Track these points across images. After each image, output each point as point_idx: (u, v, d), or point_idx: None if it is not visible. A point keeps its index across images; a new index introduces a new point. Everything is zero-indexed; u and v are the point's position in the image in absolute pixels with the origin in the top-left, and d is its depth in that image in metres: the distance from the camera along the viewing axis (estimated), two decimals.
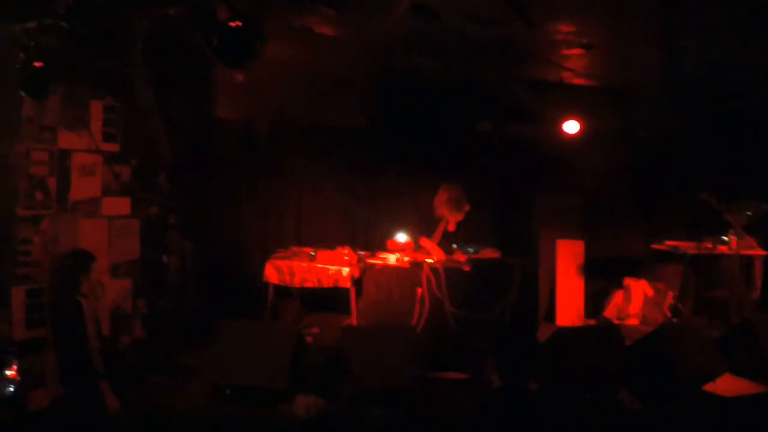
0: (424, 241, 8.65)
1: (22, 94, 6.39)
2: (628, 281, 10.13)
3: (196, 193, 9.40)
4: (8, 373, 5.98)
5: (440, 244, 8.61)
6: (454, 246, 8.74)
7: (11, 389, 5.93)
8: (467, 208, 8.69)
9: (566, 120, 9.83)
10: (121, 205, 7.95)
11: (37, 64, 6.08)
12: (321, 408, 4.71)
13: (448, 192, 8.67)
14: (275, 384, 6.76)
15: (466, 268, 8.39)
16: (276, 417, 5.04)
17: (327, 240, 9.42)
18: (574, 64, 8.80)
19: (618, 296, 10.13)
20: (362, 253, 8.91)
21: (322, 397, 4.88)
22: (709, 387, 7.29)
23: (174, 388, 7.21)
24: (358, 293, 8.52)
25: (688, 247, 9.64)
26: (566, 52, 8.37)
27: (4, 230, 6.80)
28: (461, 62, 8.93)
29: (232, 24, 5.31)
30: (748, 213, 9.57)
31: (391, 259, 8.53)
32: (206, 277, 9.38)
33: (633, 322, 9.82)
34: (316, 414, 4.70)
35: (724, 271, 9.52)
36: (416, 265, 8.34)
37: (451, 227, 8.77)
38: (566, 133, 9.83)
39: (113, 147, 7.84)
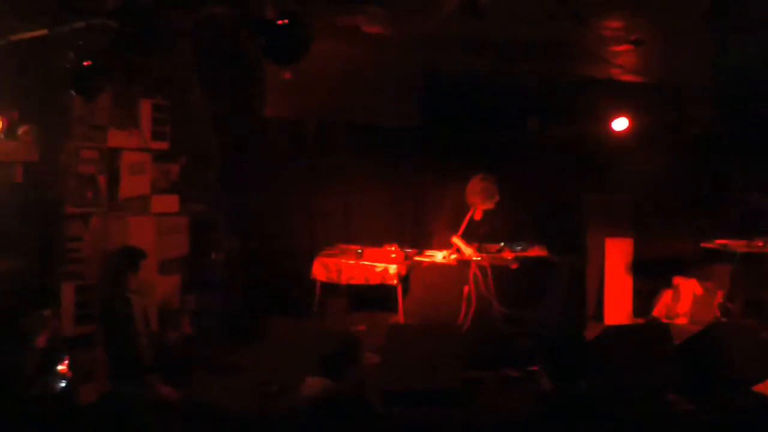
0: (456, 240, 8.61)
1: (72, 93, 6.46)
2: (678, 280, 9.99)
3: (244, 191, 9.44)
4: (60, 368, 6.06)
5: (467, 235, 8.57)
6: (502, 244, 8.71)
7: (63, 384, 6.01)
8: (497, 198, 8.59)
9: (615, 117, 9.72)
10: (169, 203, 8.03)
11: (86, 63, 6.14)
12: (327, 388, 4.75)
13: (481, 181, 8.59)
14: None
15: (514, 266, 8.36)
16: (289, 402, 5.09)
17: (374, 238, 9.42)
18: (624, 60, 8.72)
19: (667, 295, 10.00)
20: (409, 250, 8.90)
21: (364, 395, 4.86)
22: (759, 388, 7.17)
23: (221, 385, 7.26)
24: (405, 291, 8.52)
25: (737, 245, 9.49)
26: (615, 48, 8.29)
27: (55, 228, 6.90)
28: (509, 60, 8.88)
29: (280, 22, 5.33)
30: None
31: (438, 256, 8.52)
32: (254, 275, 9.43)
33: (682, 321, 9.69)
34: (322, 394, 4.74)
35: None
36: (463, 263, 8.32)
37: (478, 215, 8.68)
38: (615, 130, 9.73)
39: (162, 145, 7.92)
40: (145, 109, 7.75)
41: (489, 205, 8.60)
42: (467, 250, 8.47)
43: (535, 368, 7.68)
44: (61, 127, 7.01)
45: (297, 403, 4.85)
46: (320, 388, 4.76)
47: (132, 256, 6.73)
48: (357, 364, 4.98)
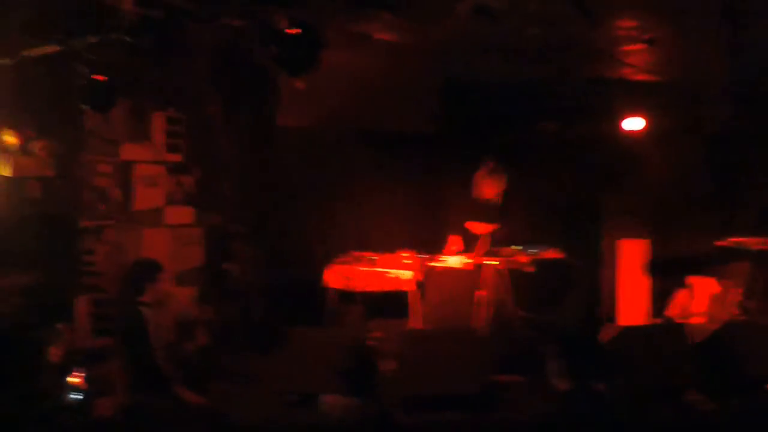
0: (470, 225, 8.62)
1: (86, 107, 6.50)
2: (693, 279, 9.93)
3: (260, 201, 9.46)
4: (74, 380, 6.08)
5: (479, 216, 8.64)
6: (517, 247, 8.68)
7: (78, 396, 6.02)
8: (505, 183, 8.61)
9: (630, 117, 9.68)
10: (184, 215, 8.06)
11: (99, 78, 6.18)
12: (349, 408, 4.64)
13: (485, 165, 8.60)
14: (339, 391, 6.78)
15: (529, 269, 8.33)
16: (341, 424, 5.01)
17: (389, 244, 9.40)
18: (637, 59, 8.69)
19: (683, 295, 9.93)
20: (424, 256, 8.88)
21: (381, 401, 4.79)
22: None
23: (239, 395, 7.26)
24: (420, 297, 8.49)
25: (753, 243, 9.42)
26: (628, 48, 8.26)
27: (69, 241, 6.94)
28: (522, 63, 8.87)
29: (291, 32, 5.34)
30: None
31: (453, 261, 8.50)
32: (270, 284, 9.44)
33: (698, 320, 9.60)
34: (344, 414, 4.63)
35: None
36: (478, 267, 8.30)
37: (490, 195, 8.68)
38: (629, 130, 9.69)
39: (176, 157, 7.96)
40: (159, 121, 7.80)
41: (497, 189, 8.60)
42: (480, 228, 8.48)
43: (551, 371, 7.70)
44: (75, 141, 7.06)
45: (317, 420, 4.77)
46: (339, 407, 4.67)
47: (149, 269, 6.74)
48: (374, 376, 4.88)
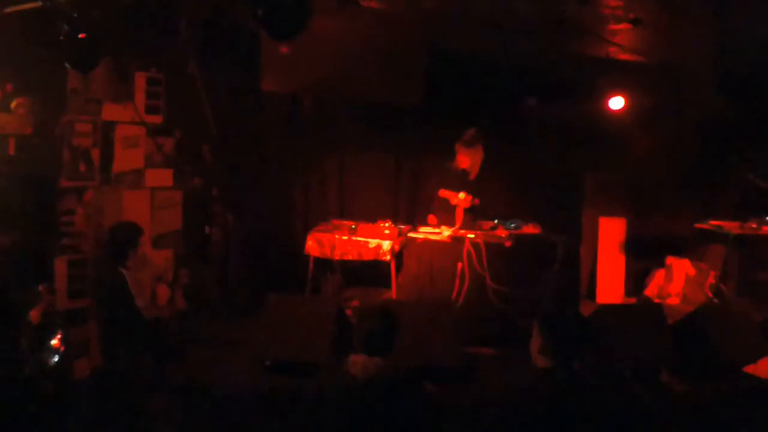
0: (445, 192, 8.65)
1: (67, 66, 6.40)
2: (670, 260, 10.00)
3: (240, 166, 9.41)
4: (53, 342, 6.05)
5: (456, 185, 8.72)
6: (496, 221, 8.70)
7: (56, 359, 6.00)
8: (481, 153, 8.74)
9: (612, 96, 9.68)
10: (164, 177, 8.00)
11: (81, 36, 6.08)
12: (379, 366, 4.62)
13: (465, 135, 8.69)
14: (316, 358, 6.79)
15: (507, 244, 8.36)
16: (320, 388, 4.99)
17: (369, 214, 9.40)
18: (622, 39, 8.67)
19: (659, 275, 10.01)
20: (403, 227, 8.89)
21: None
22: (749, 369, 7.20)
23: (215, 360, 7.26)
24: (399, 267, 8.50)
25: (731, 226, 9.48)
26: (614, 26, 8.24)
27: (48, 201, 6.87)
28: (508, 38, 8.83)
29: None
30: None
31: (433, 232, 8.52)
32: (249, 250, 9.42)
33: (674, 301, 9.70)
34: (375, 373, 4.60)
35: None
36: (457, 240, 8.32)
37: (465, 164, 8.74)
38: (611, 109, 9.70)
39: (156, 119, 7.89)
40: (140, 82, 7.71)
41: (471, 157, 8.65)
42: (461, 195, 8.59)
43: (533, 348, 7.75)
44: (55, 99, 6.97)
45: (341, 381, 4.72)
46: (371, 366, 4.64)
47: (132, 232, 6.67)
48: (398, 338, 4.91)
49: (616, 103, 9.66)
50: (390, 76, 9.11)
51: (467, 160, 8.67)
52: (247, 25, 7.92)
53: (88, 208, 7.14)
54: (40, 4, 6.14)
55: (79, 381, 6.69)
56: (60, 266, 6.80)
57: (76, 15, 6.09)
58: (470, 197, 8.61)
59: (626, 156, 9.99)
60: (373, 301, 8.46)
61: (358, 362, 4.70)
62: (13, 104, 6.71)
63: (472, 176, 8.74)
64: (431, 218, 8.81)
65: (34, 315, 5.84)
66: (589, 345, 6.78)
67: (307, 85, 9.25)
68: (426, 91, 9.22)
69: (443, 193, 8.70)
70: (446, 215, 8.71)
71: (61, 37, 6.09)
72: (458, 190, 8.63)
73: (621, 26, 8.15)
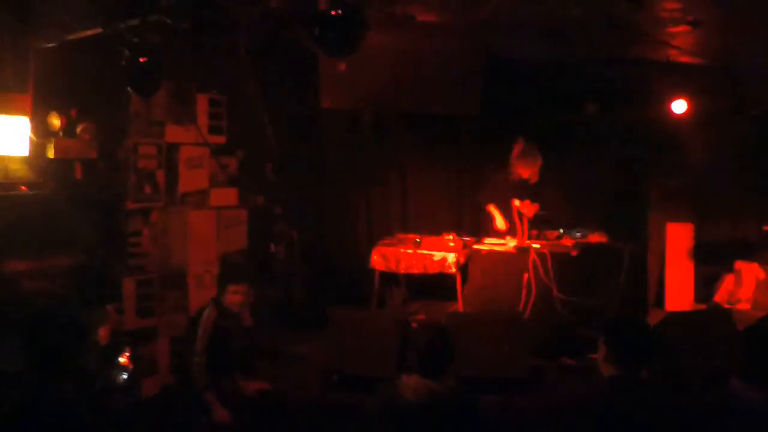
0: (492, 209, 8.72)
1: (129, 90, 6.52)
2: (740, 265, 9.80)
3: (303, 183, 9.49)
4: (121, 360, 6.13)
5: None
6: (561, 230, 8.65)
7: (124, 376, 6.08)
8: (540, 161, 8.67)
9: (674, 100, 9.55)
10: (228, 196, 8.09)
11: (141, 60, 6.19)
12: (431, 390, 4.51)
13: (521, 145, 8.67)
14: (383, 372, 6.78)
15: (574, 253, 8.29)
16: (384, 403, 4.96)
17: (433, 226, 9.40)
18: (681, 41, 8.56)
19: (729, 280, 9.81)
20: (467, 239, 8.86)
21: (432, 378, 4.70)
22: None
23: (282, 375, 7.30)
24: (464, 279, 8.48)
25: None
26: (672, 29, 8.14)
27: (116, 223, 6.99)
28: (565, 45, 8.78)
29: (333, 13, 5.30)
30: None
31: (498, 244, 8.49)
32: (314, 266, 9.48)
33: (744, 306, 9.49)
34: (427, 397, 4.49)
35: None
36: (522, 251, 8.27)
37: (526, 175, 8.73)
38: (674, 113, 9.57)
39: (220, 139, 7.98)
40: (202, 103, 7.81)
41: (534, 168, 8.57)
42: (499, 221, 8.58)
43: (594, 356, 7.66)
44: (119, 123, 7.10)
45: (393, 403, 4.65)
46: (423, 389, 4.54)
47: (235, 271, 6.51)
48: (453, 360, 4.81)
49: (679, 106, 9.52)
50: (447, 87, 9.13)
51: (527, 171, 8.64)
52: (304, 44, 7.98)
53: (154, 229, 7.24)
54: (101, 30, 6.25)
55: (148, 399, 6.79)
56: (128, 286, 6.91)
57: (136, 40, 6.19)
58: (537, 206, 8.59)
59: (690, 160, 9.83)
60: (436, 315, 8.43)
61: (410, 384, 4.60)
62: (78, 129, 6.85)
63: (532, 181, 8.70)
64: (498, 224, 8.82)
65: (102, 334, 5.92)
66: (656, 353, 6.70)
67: (366, 100, 9.31)
68: (484, 101, 9.21)
69: (491, 210, 8.70)
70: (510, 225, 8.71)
71: (123, 62, 6.20)
72: (521, 199, 8.62)
73: (680, 29, 8.04)
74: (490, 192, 8.89)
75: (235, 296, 5.96)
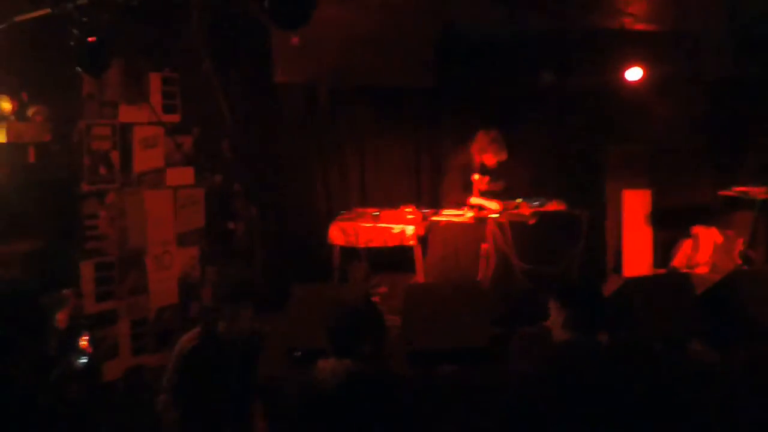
0: (475, 200, 8.64)
1: (79, 70, 6.43)
2: (697, 229, 9.92)
3: (260, 159, 9.44)
4: (80, 344, 6.09)
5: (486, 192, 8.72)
6: (519, 199, 8.69)
7: (84, 360, 6.04)
8: (505, 148, 8.72)
9: (629, 67, 9.60)
10: (184, 175, 8.03)
11: (91, 39, 6.10)
12: (349, 371, 4.27)
13: (488, 134, 8.65)
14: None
15: (531, 222, 8.34)
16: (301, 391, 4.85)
17: (392, 200, 9.41)
18: (635, 9, 8.60)
19: (687, 245, 9.93)
20: (426, 211, 8.88)
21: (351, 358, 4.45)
22: None
23: None
24: (424, 251, 8.50)
25: (757, 192, 9.37)
26: None
27: (71, 206, 6.93)
28: (520, 13, 8.78)
29: None
30: None
31: (456, 214, 8.52)
32: (274, 242, 9.45)
33: (702, 270, 9.63)
34: (346, 377, 4.29)
35: None
36: (481, 221, 8.31)
37: (490, 163, 8.75)
38: (629, 81, 9.63)
39: (174, 118, 7.91)
40: (155, 82, 7.74)
41: (502, 156, 8.60)
42: (492, 205, 8.51)
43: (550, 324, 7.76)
44: (71, 105, 7.01)
45: (312, 389, 4.47)
46: (341, 371, 4.32)
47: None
48: (374, 334, 4.65)
49: (634, 74, 9.58)
50: (402, 60, 9.10)
51: (494, 159, 8.65)
52: (257, 18, 7.92)
53: (110, 211, 7.19)
54: (48, 10, 6.16)
55: (110, 383, 6.77)
56: (86, 269, 6.86)
57: (84, 19, 6.10)
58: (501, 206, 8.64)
59: (647, 127, 9.91)
60: (397, 287, 8.46)
61: (326, 368, 4.40)
62: (30, 112, 6.75)
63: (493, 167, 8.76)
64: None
65: (60, 318, 5.87)
66: (616, 318, 6.78)
67: (320, 74, 9.24)
68: (440, 73, 9.20)
69: (475, 201, 8.69)
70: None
71: (72, 42, 6.12)
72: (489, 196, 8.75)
73: None
74: (462, 183, 8.84)
75: (244, 321, 5.21)
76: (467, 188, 8.70)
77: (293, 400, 4.53)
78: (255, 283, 8.61)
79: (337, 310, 4.86)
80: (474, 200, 8.65)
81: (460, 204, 8.66)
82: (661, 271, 9.73)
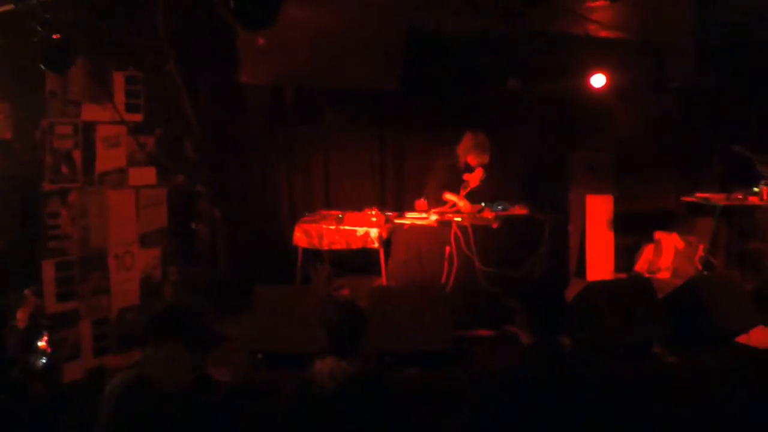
0: (449, 196, 8.65)
1: (42, 67, 6.37)
2: (659, 235, 10.04)
3: (224, 160, 9.40)
4: (40, 344, 6.03)
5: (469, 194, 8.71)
6: (483, 204, 8.72)
7: (43, 361, 5.99)
8: (489, 151, 8.73)
9: (593, 74, 9.68)
10: (147, 175, 7.95)
11: (55, 37, 6.05)
12: (346, 372, 4.34)
13: (474, 137, 8.65)
14: (308, 348, 6.78)
15: (495, 226, 8.37)
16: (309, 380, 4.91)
17: (356, 202, 9.41)
18: (600, 16, 8.67)
19: (648, 250, 10.05)
20: (390, 213, 8.89)
21: (346, 359, 4.50)
22: (742, 339, 7.24)
23: (210, 356, 7.26)
24: (388, 254, 8.51)
25: (718, 198, 9.48)
26: (591, 4, 8.24)
27: (32, 205, 6.85)
28: (487, 19, 8.82)
29: None
30: None
31: (420, 217, 8.53)
32: (237, 244, 9.42)
33: (664, 275, 9.75)
34: (342, 379, 4.36)
35: (758, 223, 9.39)
36: (444, 224, 8.33)
37: (474, 163, 8.76)
38: (594, 87, 9.70)
39: (137, 117, 7.83)
40: (119, 81, 7.66)
41: (484, 159, 8.64)
42: (461, 203, 8.55)
43: (513, 327, 7.81)
44: (34, 103, 6.93)
45: (311, 388, 4.49)
46: (338, 373, 4.33)
47: None
48: (364, 336, 4.69)
49: (598, 80, 9.67)
50: (368, 62, 9.10)
51: (476, 160, 8.69)
52: (223, 18, 7.89)
53: (72, 210, 7.10)
54: (11, 6, 6.09)
55: (71, 383, 6.68)
56: (47, 269, 6.77)
57: (48, 16, 6.05)
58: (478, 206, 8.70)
59: (610, 133, 10.01)
60: (360, 290, 8.46)
61: (324, 369, 4.45)
62: None
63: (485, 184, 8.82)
64: (420, 204, 8.80)
65: (20, 318, 5.82)
66: (578, 322, 6.84)
67: (286, 76, 9.24)
68: (405, 76, 9.22)
69: (448, 197, 8.70)
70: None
71: (35, 39, 6.06)
72: (459, 186, 8.70)
73: (598, 3, 8.14)
74: (443, 180, 8.86)
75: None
76: (448, 186, 8.75)
77: (290, 401, 4.57)
78: (192, 312, 8.46)
79: (336, 308, 4.92)
80: (448, 196, 8.68)
81: (441, 202, 8.73)
82: (624, 275, 9.82)
